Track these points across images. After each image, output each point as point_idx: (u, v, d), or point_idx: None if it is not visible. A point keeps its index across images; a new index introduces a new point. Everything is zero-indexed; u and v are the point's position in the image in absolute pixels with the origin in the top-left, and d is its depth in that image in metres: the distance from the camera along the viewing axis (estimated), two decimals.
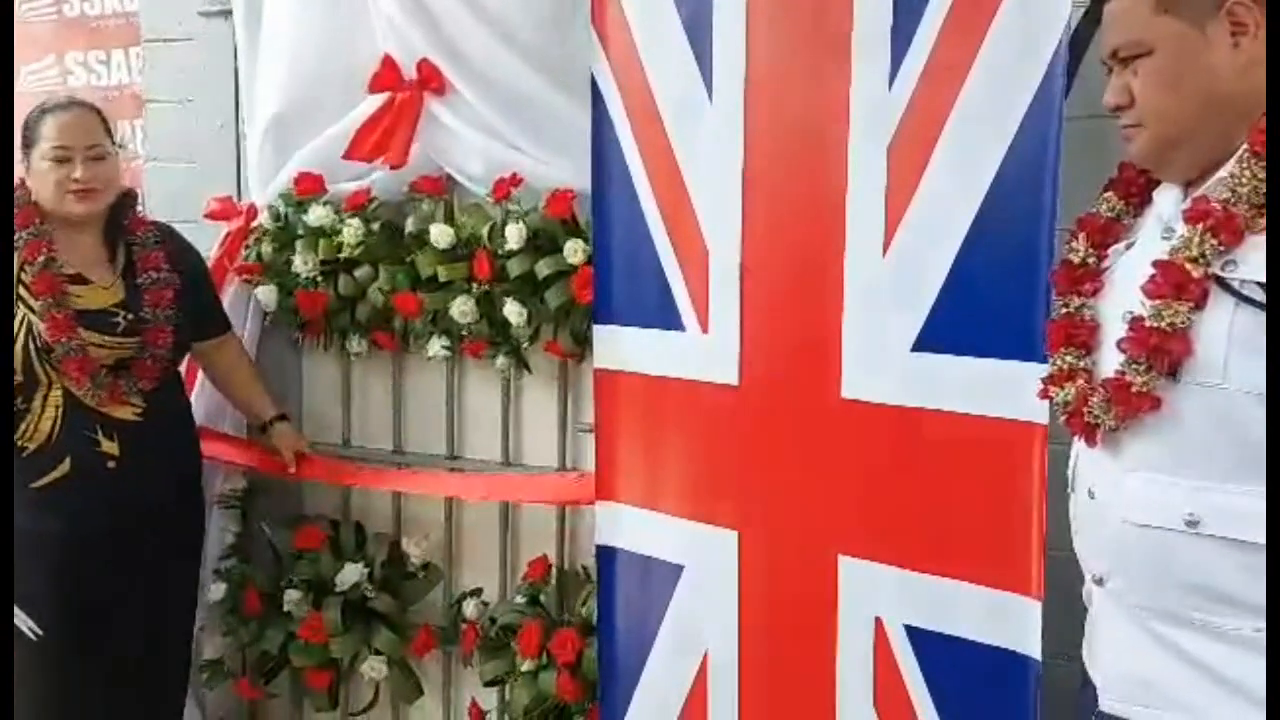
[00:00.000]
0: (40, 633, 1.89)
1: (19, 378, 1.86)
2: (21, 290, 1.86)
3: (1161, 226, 1.16)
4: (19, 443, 1.88)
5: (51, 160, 1.88)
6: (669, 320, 1.72)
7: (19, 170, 1.96)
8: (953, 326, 1.47)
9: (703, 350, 1.69)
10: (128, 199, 2.02)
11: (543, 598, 2.09)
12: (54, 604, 1.90)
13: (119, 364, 1.91)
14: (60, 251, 1.91)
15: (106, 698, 1.96)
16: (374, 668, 2.19)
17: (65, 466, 1.89)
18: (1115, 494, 1.16)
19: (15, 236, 1.88)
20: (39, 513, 1.88)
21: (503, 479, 2.13)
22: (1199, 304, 1.08)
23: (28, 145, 1.93)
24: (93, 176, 1.90)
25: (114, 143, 1.98)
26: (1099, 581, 1.20)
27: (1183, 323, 1.08)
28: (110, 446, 1.91)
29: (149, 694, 2.04)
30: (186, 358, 2.12)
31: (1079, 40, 1.35)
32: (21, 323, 1.85)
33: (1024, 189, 1.39)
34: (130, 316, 1.93)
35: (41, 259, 1.87)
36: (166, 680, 2.07)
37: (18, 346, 1.85)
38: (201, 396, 2.23)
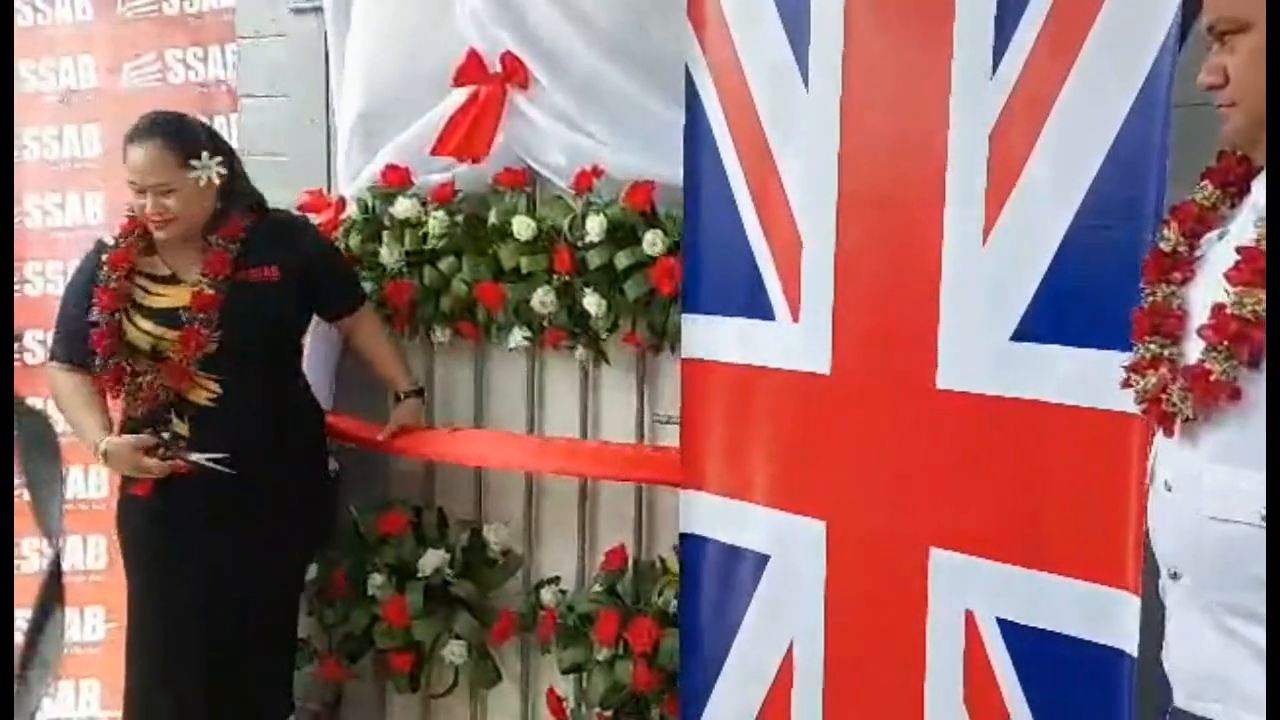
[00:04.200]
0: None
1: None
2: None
3: (1256, 215, 1.14)
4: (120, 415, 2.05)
5: (132, 190, 2.01)
6: (759, 309, 1.72)
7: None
8: (1054, 316, 1.44)
9: (793, 339, 1.69)
10: (229, 203, 2.07)
11: (620, 587, 2.10)
12: (154, 557, 2.05)
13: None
14: (162, 254, 2.05)
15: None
16: (454, 652, 2.22)
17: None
18: (1192, 486, 1.14)
19: (114, 240, 2.05)
20: (135, 482, 2.04)
21: (576, 446, 2.14)
22: None
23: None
24: (161, 211, 1.99)
25: (193, 166, 2.00)
26: (1174, 575, 1.18)
27: (1265, 310, 1.05)
28: (181, 427, 2.03)
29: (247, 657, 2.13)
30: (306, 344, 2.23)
31: (1189, 9, 1.32)
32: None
33: (1131, 177, 1.36)
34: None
35: (118, 273, 2.02)
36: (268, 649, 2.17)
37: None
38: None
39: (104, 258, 2.04)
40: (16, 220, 2.69)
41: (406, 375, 2.25)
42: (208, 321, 2.01)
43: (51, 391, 2.15)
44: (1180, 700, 1.19)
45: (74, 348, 2.05)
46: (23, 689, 2.57)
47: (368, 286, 2.26)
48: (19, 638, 2.64)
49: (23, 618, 2.67)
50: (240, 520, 2.06)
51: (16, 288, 2.69)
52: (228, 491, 2.03)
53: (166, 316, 2.01)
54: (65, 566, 2.72)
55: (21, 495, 2.69)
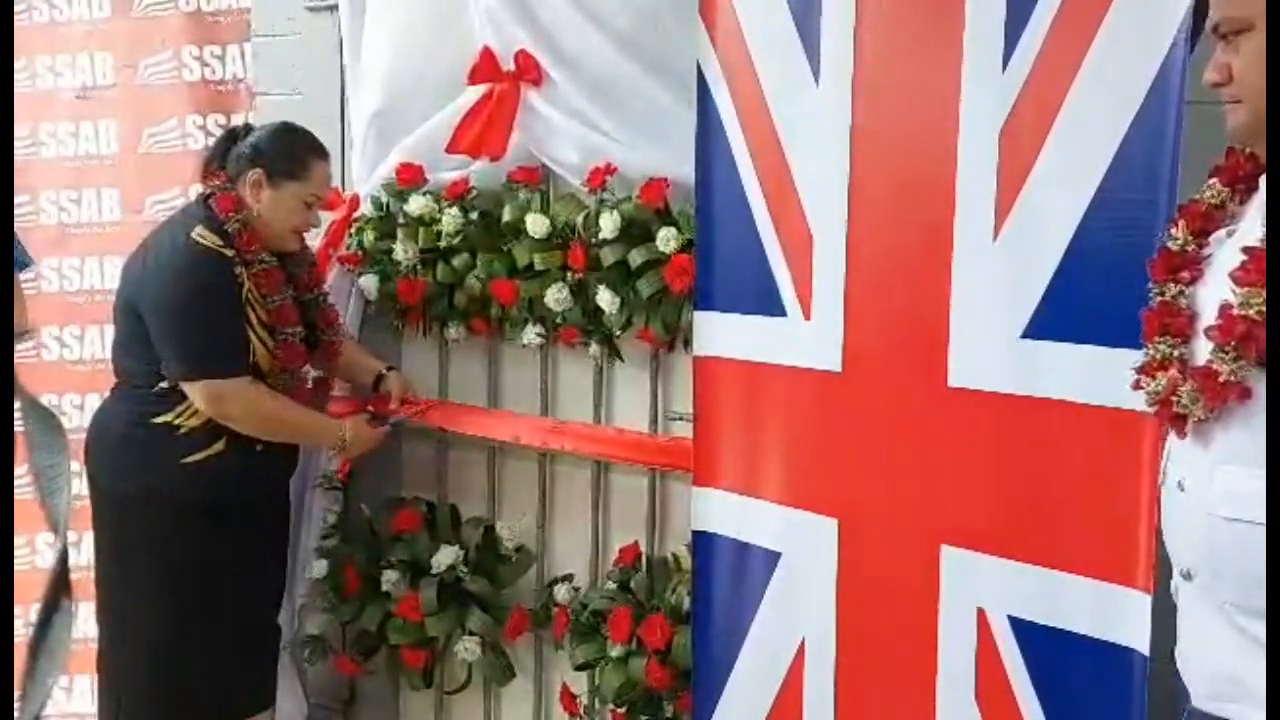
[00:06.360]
0: None
1: None
2: (258, 310, 2.00)
3: (1264, 214, 1.13)
4: (173, 421, 2.01)
5: (304, 203, 2.05)
6: (771, 306, 1.73)
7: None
8: (1065, 313, 1.45)
9: (805, 337, 1.69)
10: None
11: (633, 584, 2.10)
12: (186, 560, 2.04)
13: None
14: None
15: (219, 656, 2.07)
16: (467, 648, 2.23)
17: (220, 445, 2.02)
18: (1204, 487, 1.14)
19: (246, 256, 1.99)
20: (185, 485, 2.02)
21: (592, 431, 2.15)
22: None
23: (279, 173, 2.01)
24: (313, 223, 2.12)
25: None
26: (1186, 575, 1.18)
27: (1266, 311, 1.05)
28: None
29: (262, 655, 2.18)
30: None
31: (1201, 8, 1.32)
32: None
33: (1142, 175, 1.36)
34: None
35: (290, 292, 2.05)
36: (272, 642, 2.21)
37: None
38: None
39: (246, 275, 1.98)
40: (32, 217, 2.72)
41: (378, 357, 2.32)
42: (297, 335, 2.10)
43: (250, 406, 1.99)
44: (1197, 700, 1.19)
45: (247, 362, 1.99)
46: (30, 682, 2.58)
47: (382, 284, 2.28)
48: (27, 632, 2.67)
49: (35, 612, 2.69)
50: (285, 515, 2.19)
51: (32, 284, 2.72)
52: (277, 487, 2.14)
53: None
54: (77, 562, 2.74)
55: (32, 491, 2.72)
